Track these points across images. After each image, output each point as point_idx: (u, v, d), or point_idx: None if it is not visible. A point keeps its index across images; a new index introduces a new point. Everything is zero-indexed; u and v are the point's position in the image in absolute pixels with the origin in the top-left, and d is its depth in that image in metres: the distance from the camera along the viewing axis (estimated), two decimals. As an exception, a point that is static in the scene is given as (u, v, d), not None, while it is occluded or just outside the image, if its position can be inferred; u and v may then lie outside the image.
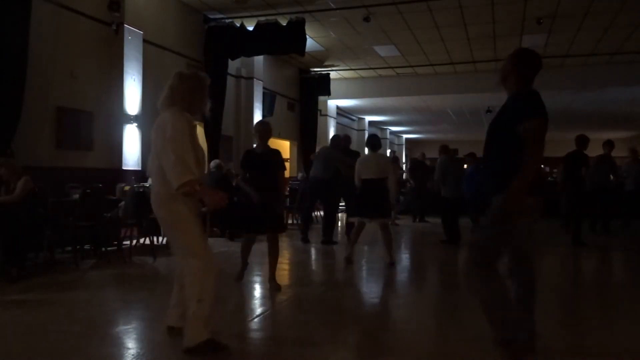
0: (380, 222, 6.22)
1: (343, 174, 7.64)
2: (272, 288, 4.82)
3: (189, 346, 2.94)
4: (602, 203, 9.55)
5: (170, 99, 3.04)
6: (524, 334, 2.86)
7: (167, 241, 3.10)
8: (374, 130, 22.95)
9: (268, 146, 4.93)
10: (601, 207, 9.62)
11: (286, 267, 6.45)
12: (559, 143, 14.61)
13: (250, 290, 5.05)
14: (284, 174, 5.16)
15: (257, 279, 5.53)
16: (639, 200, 10.20)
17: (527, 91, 2.93)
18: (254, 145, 5.12)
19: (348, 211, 7.98)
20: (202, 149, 3.11)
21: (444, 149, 8.68)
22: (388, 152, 23.42)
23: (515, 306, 2.93)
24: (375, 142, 6.37)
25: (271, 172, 4.85)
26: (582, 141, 8.01)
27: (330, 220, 8.19)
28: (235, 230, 4.57)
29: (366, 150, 6.62)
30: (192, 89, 3.06)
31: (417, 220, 12.13)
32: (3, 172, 5.46)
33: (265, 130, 4.93)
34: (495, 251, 2.91)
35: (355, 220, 6.51)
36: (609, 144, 9.21)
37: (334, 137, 8.97)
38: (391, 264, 6.18)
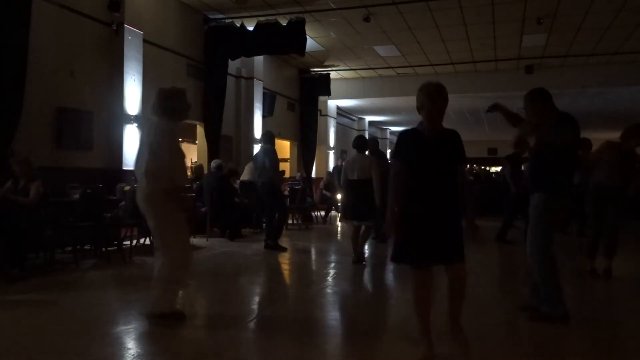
0: (366, 224, 6.22)
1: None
2: None
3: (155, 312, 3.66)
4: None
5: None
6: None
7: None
8: (374, 131, 22.98)
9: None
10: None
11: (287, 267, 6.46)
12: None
13: (251, 290, 5.05)
14: None
15: (258, 279, 5.53)
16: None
17: None
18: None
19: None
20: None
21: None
22: (388, 152, 23.37)
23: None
24: (361, 143, 6.34)
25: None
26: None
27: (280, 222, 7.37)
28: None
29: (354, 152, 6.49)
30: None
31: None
32: (17, 169, 5.46)
33: None
34: None
35: (349, 223, 6.38)
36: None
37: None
38: (359, 261, 6.23)
